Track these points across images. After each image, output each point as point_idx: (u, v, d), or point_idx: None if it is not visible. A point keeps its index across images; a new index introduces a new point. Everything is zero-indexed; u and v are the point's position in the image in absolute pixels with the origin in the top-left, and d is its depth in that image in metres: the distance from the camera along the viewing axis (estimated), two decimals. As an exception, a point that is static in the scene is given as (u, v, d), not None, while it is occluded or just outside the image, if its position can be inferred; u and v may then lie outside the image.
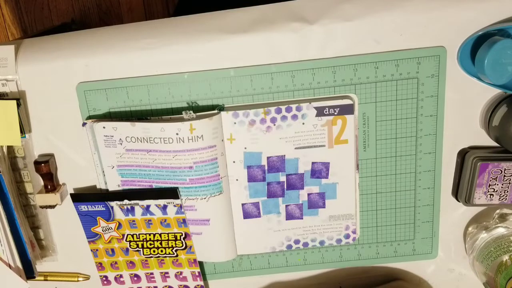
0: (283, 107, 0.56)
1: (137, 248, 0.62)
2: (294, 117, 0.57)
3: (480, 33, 0.53)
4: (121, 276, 0.64)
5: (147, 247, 0.62)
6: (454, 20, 0.54)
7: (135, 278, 0.64)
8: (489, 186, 0.58)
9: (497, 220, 0.61)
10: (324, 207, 0.61)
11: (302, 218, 0.62)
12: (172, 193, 0.58)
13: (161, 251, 0.62)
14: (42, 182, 0.60)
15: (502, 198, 0.59)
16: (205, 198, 0.59)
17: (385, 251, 0.64)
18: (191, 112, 0.56)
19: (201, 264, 0.64)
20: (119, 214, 0.60)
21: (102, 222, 0.60)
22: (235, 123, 0.57)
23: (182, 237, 0.61)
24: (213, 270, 0.65)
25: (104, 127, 0.56)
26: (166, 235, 0.61)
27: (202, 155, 0.56)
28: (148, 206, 0.59)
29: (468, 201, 0.59)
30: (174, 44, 0.55)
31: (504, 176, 0.57)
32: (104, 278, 0.64)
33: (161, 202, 0.59)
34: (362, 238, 0.63)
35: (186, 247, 0.62)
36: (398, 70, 0.56)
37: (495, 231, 0.60)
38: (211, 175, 0.58)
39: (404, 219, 0.63)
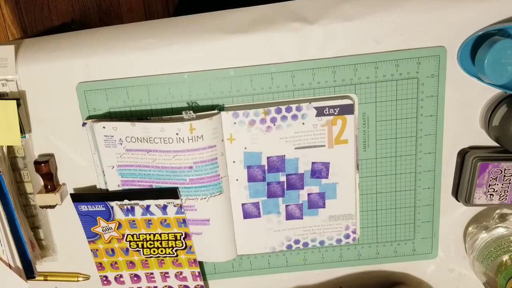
0: (283, 107, 0.56)
1: (137, 248, 0.62)
2: (294, 117, 0.57)
3: (480, 33, 0.53)
4: (121, 276, 0.64)
5: (147, 247, 0.62)
6: (454, 20, 0.54)
7: (135, 278, 0.64)
8: (489, 186, 0.58)
9: (497, 220, 0.61)
10: (324, 207, 0.61)
11: (302, 218, 0.62)
12: (172, 193, 0.58)
13: (161, 251, 0.62)
14: (42, 182, 0.60)
15: (502, 198, 0.59)
16: (205, 198, 0.59)
17: (385, 251, 0.64)
18: (191, 112, 0.56)
19: (201, 264, 0.64)
20: (119, 214, 0.60)
21: (102, 222, 0.60)
22: (235, 123, 0.57)
23: (182, 237, 0.61)
24: (213, 270, 0.65)
25: (104, 127, 0.56)
26: (166, 235, 0.61)
27: (202, 155, 0.56)
28: (148, 206, 0.59)
29: (468, 201, 0.59)
30: (174, 44, 0.55)
31: (504, 176, 0.57)
32: (104, 278, 0.64)
33: (161, 202, 0.59)
34: (362, 238, 0.63)
35: (186, 247, 0.62)
36: (398, 70, 0.56)
37: (495, 231, 0.60)
38: (211, 175, 0.58)
39: (404, 219, 0.63)
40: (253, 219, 0.62)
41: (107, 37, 0.57)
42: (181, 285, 0.65)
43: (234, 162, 0.59)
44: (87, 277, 0.66)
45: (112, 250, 0.62)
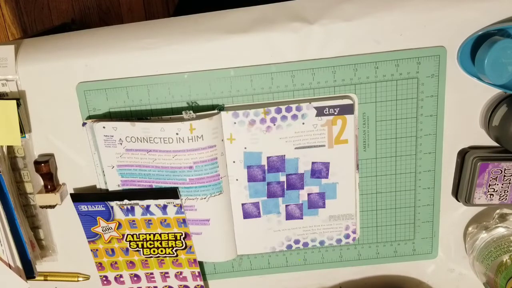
0: (283, 107, 0.56)
1: (137, 248, 0.62)
2: (294, 117, 0.57)
3: (480, 33, 0.53)
4: (121, 276, 0.64)
5: (147, 247, 0.62)
6: (454, 20, 0.54)
7: (135, 278, 0.64)
8: (489, 186, 0.58)
9: (497, 220, 0.61)
10: (324, 207, 0.61)
11: (302, 218, 0.62)
12: (172, 193, 0.58)
13: (161, 251, 0.62)
14: (42, 182, 0.60)
15: (502, 198, 0.59)
16: (205, 198, 0.59)
17: (385, 251, 0.64)
18: (191, 112, 0.56)
19: (201, 264, 0.64)
20: (119, 214, 0.60)
21: (102, 222, 0.60)
22: (235, 123, 0.57)
23: (182, 237, 0.61)
24: (213, 270, 0.65)
25: (104, 127, 0.56)
26: (166, 235, 0.61)
27: (202, 155, 0.56)
28: (148, 206, 0.59)
29: (468, 201, 0.59)
30: (174, 44, 0.55)
31: (504, 176, 0.57)
32: (104, 278, 0.64)
33: (161, 202, 0.59)
34: (362, 238, 0.63)
35: (186, 247, 0.62)
36: (398, 70, 0.56)
37: (495, 231, 0.60)
38: (211, 175, 0.58)
39: (404, 219, 0.63)
40: (253, 219, 0.62)
41: (107, 37, 0.57)
42: (181, 285, 0.65)
43: (234, 162, 0.59)
44: (87, 277, 0.66)
45: (112, 250, 0.62)
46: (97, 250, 0.62)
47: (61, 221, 0.62)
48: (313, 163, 0.59)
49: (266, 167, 0.59)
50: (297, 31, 0.54)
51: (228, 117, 0.57)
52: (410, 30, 0.54)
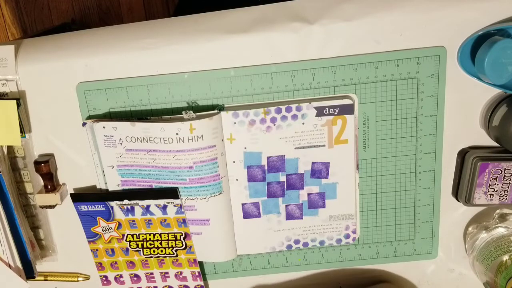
0: (283, 107, 0.56)
1: (137, 248, 0.62)
2: (294, 117, 0.57)
3: (480, 33, 0.53)
4: (121, 276, 0.64)
5: (147, 247, 0.62)
6: (454, 20, 0.54)
7: (135, 278, 0.64)
8: (489, 186, 0.58)
9: (497, 220, 0.61)
10: (324, 207, 0.61)
11: (302, 218, 0.62)
12: (172, 193, 0.58)
13: (161, 251, 0.62)
14: (42, 182, 0.60)
15: (502, 198, 0.59)
16: (205, 198, 0.59)
17: (385, 251, 0.64)
18: (191, 112, 0.56)
19: (201, 264, 0.64)
20: (119, 214, 0.60)
21: (102, 222, 0.60)
22: (235, 123, 0.57)
23: (182, 237, 0.61)
24: (213, 270, 0.65)
25: (104, 127, 0.56)
26: (166, 235, 0.61)
27: (202, 155, 0.56)
28: (148, 206, 0.59)
29: (468, 201, 0.59)
30: (174, 44, 0.55)
31: (504, 176, 0.57)
32: (104, 278, 0.64)
33: (161, 202, 0.59)
34: (362, 238, 0.63)
35: (186, 247, 0.62)
36: (398, 70, 0.56)
37: (495, 231, 0.60)
38: (211, 175, 0.58)
39: (404, 219, 0.63)
40: (253, 219, 0.62)
41: (107, 37, 0.57)
42: (181, 285, 0.65)
43: (234, 162, 0.59)
44: (87, 277, 0.66)
45: (112, 250, 0.62)
46: (97, 250, 0.62)
47: (61, 221, 0.62)
48: (313, 163, 0.59)
49: (266, 167, 0.59)
50: (297, 31, 0.54)
51: (228, 117, 0.57)
52: (410, 30, 0.54)
